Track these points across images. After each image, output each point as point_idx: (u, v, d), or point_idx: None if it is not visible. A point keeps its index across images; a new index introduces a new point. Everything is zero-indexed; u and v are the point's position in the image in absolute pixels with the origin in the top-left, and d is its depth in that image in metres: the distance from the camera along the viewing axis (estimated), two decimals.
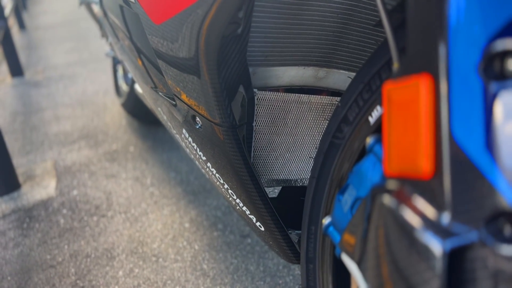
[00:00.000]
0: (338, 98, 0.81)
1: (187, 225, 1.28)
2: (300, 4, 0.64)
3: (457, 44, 0.31)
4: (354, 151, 0.56)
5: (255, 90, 0.71)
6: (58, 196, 1.47)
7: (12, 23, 4.51)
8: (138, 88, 1.50)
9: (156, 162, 1.66)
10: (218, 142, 0.71)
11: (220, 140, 0.70)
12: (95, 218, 1.34)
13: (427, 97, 0.33)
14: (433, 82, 0.33)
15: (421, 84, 0.33)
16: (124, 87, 1.99)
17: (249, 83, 0.67)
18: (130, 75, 1.75)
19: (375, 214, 0.39)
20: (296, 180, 0.81)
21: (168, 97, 0.86)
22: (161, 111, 0.99)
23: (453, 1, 0.31)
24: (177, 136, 0.95)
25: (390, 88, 0.38)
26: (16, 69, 2.81)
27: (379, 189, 0.39)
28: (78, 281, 1.08)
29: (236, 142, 0.68)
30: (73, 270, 1.13)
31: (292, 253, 0.77)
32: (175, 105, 0.82)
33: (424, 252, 0.31)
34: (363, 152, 0.54)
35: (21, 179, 1.58)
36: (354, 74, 0.78)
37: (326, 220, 0.58)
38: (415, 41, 0.35)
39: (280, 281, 1.05)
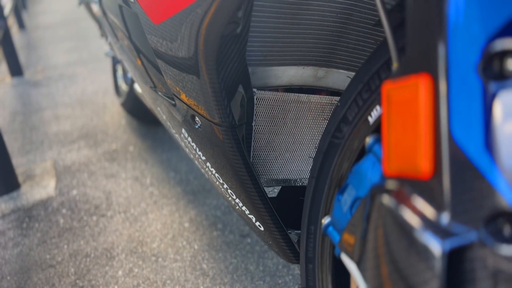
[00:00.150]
0: (338, 98, 0.81)
1: (186, 224, 1.28)
2: (299, 3, 0.64)
3: (456, 44, 0.31)
4: (354, 151, 0.56)
5: (254, 89, 0.71)
6: (58, 195, 1.47)
7: (12, 22, 4.50)
8: (137, 87, 1.50)
9: (156, 161, 1.66)
10: (217, 142, 0.71)
11: (220, 140, 0.70)
12: (94, 218, 1.34)
13: (426, 97, 0.33)
14: (432, 82, 0.33)
15: (421, 84, 0.33)
16: (123, 86, 1.99)
17: (249, 83, 0.67)
18: (129, 74, 1.75)
19: (374, 214, 0.39)
20: (296, 180, 0.81)
21: (168, 97, 0.86)
22: (161, 111, 0.99)
23: (452, 1, 0.31)
24: (177, 135, 0.95)
25: (389, 88, 0.37)
26: (15, 69, 2.81)
27: (379, 189, 0.39)
28: (77, 281, 1.08)
29: (236, 142, 0.68)
30: (72, 269, 1.13)
31: (291, 253, 0.77)
32: (174, 105, 0.82)
33: (424, 252, 0.31)
34: (362, 152, 0.54)
35: (20, 178, 1.58)
36: (353, 73, 0.78)
37: (325, 220, 0.57)
38: (415, 40, 0.35)
39: (280, 281, 1.05)
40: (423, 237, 0.31)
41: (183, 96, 0.74)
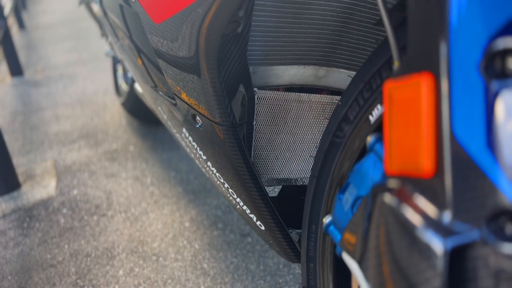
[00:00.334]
0: (339, 97, 0.81)
1: (187, 224, 1.28)
2: (300, 3, 0.64)
3: (458, 43, 0.31)
4: (355, 150, 0.56)
5: (255, 89, 0.71)
6: (58, 195, 1.47)
7: (12, 22, 4.50)
8: (138, 87, 1.50)
9: (156, 161, 1.66)
10: (218, 141, 0.71)
11: (220, 139, 0.70)
12: (95, 218, 1.34)
13: (428, 96, 0.33)
14: (434, 80, 0.33)
15: (422, 83, 0.33)
16: (124, 86, 1.99)
17: (249, 82, 0.67)
18: (130, 74, 1.75)
19: (376, 213, 0.39)
20: (297, 179, 0.81)
21: (168, 96, 0.86)
22: (161, 111, 0.99)
23: (454, 0, 0.31)
24: (177, 135, 0.95)
25: (391, 87, 0.37)
26: (15, 69, 2.81)
27: (380, 188, 0.39)
28: (78, 280, 1.09)
29: (236, 141, 0.68)
30: (73, 269, 1.13)
31: (292, 252, 0.77)
32: (175, 104, 0.82)
33: (426, 251, 0.31)
34: (363, 151, 0.54)
35: (21, 178, 1.58)
36: (354, 73, 0.78)
37: (326, 219, 0.57)
38: (416, 39, 0.35)
39: (281, 280, 1.06)
40: (425, 236, 0.31)
41: (184, 96, 0.74)
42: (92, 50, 3.36)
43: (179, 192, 1.45)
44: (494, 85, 0.29)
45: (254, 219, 0.78)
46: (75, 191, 1.49)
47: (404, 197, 0.35)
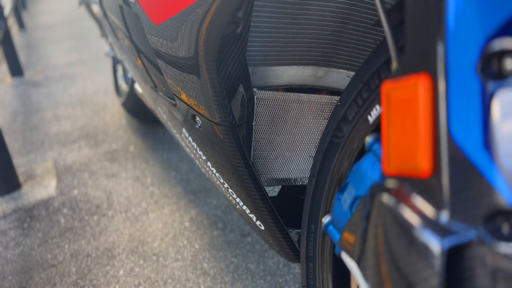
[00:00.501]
0: (338, 97, 0.81)
1: (187, 224, 1.28)
2: (299, 3, 0.64)
3: (455, 44, 0.31)
4: (354, 150, 0.56)
5: (254, 89, 0.71)
6: (59, 195, 1.47)
7: (12, 22, 4.50)
8: (138, 87, 1.50)
9: (156, 161, 1.66)
10: (218, 141, 0.71)
11: (220, 140, 0.70)
12: (95, 218, 1.34)
13: (426, 96, 0.33)
14: (432, 81, 0.33)
15: (420, 84, 0.33)
16: (124, 86, 1.99)
17: (249, 83, 0.67)
18: (130, 74, 1.75)
19: (374, 213, 0.39)
20: (296, 179, 0.82)
21: (168, 97, 0.86)
22: (161, 111, 0.99)
23: (451, 1, 0.31)
24: (177, 135, 0.95)
25: (389, 87, 0.38)
26: (16, 69, 2.81)
27: (378, 187, 0.39)
28: (79, 280, 1.09)
29: (236, 142, 0.68)
30: (74, 269, 1.13)
31: (292, 252, 0.77)
32: (175, 105, 0.82)
33: (423, 250, 0.31)
34: (362, 151, 0.54)
35: (21, 178, 1.58)
36: (353, 73, 0.78)
37: (325, 219, 0.58)
38: (414, 40, 0.36)
39: (280, 280, 1.06)
40: (422, 235, 0.31)
41: (183, 96, 0.74)
42: (92, 50, 3.36)
43: (179, 192, 1.45)
44: (490, 85, 0.29)
45: (254, 219, 0.78)
46: (75, 191, 1.49)
47: (402, 197, 0.36)
